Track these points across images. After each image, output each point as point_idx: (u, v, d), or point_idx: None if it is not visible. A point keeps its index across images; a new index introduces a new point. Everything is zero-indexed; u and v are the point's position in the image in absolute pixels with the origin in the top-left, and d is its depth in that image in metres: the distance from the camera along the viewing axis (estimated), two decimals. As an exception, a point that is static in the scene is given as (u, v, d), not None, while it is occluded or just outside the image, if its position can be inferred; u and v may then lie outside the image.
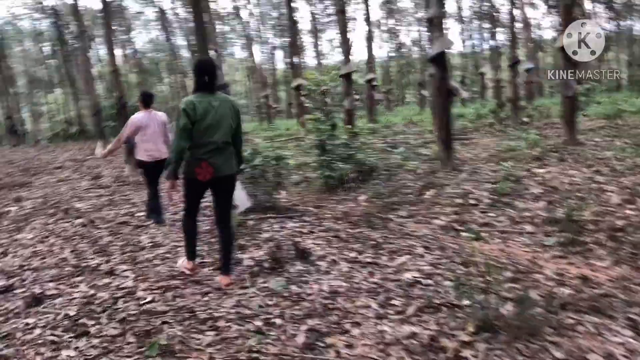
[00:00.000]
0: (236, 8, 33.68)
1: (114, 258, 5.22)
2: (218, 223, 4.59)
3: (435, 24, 9.18)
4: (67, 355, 3.19)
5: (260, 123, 33.03)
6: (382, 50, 49.71)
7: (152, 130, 6.88)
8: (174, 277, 4.52)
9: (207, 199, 4.84)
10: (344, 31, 15.04)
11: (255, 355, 3.14)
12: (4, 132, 28.57)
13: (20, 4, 42.91)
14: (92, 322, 3.61)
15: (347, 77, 14.71)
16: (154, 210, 7.04)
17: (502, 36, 37.53)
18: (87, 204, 8.59)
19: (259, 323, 3.51)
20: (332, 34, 63.37)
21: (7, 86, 28.44)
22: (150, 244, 5.78)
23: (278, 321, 3.53)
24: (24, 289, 4.38)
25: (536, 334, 3.31)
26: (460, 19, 43.47)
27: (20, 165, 16.22)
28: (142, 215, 7.36)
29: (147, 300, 3.97)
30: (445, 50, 9.18)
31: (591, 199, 6.89)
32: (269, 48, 49.73)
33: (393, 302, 3.86)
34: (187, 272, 4.64)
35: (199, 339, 3.33)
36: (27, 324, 3.65)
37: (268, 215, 7.05)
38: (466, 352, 3.14)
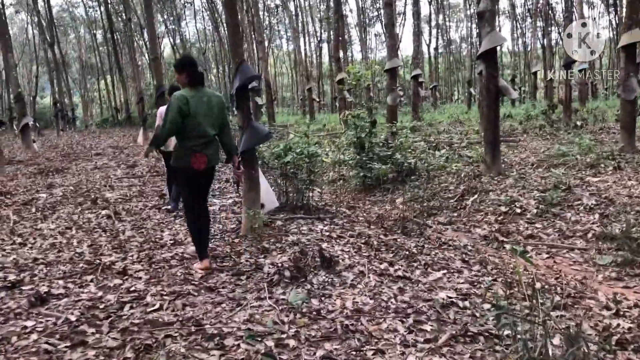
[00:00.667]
0: (285, 1, 33.38)
1: (131, 256, 4.96)
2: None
3: (486, 19, 8.60)
4: (58, 368, 2.91)
5: (303, 116, 32.78)
6: (430, 46, 48.51)
7: None
8: (188, 281, 4.20)
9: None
10: (390, 25, 14.51)
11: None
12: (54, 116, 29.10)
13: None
14: (92, 330, 3.32)
15: (391, 72, 14.18)
16: (173, 198, 7.20)
17: (555, 35, 36.12)
18: (118, 194, 8.43)
19: (270, 343, 3.14)
20: (379, 28, 62.66)
21: (56, 72, 28.98)
22: (170, 242, 5.51)
23: (292, 343, 3.15)
24: (32, 286, 4.15)
25: (589, 380, 2.83)
26: (512, 16, 42.02)
27: (63, 151, 16.40)
28: (168, 207, 7.29)
29: (154, 308, 3.66)
30: (496, 47, 8.58)
31: (653, 214, 6.25)
32: (315, 41, 49.41)
33: (423, 326, 3.43)
34: (200, 271, 4.45)
35: None
36: (25, 327, 3.38)
37: (297, 215, 6.69)
38: (504, 397, 2.70)
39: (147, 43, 39.96)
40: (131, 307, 3.69)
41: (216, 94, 4.66)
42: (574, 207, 6.90)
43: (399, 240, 5.67)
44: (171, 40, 46.09)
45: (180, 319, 3.47)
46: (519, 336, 3.18)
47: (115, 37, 33.61)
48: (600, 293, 4.36)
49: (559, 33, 36.69)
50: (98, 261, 4.71)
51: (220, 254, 4.96)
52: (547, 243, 6.00)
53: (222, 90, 46.06)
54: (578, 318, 3.68)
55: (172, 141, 6.88)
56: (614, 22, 41.80)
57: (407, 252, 5.10)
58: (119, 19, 36.70)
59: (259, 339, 3.19)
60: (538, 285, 3.95)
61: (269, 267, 4.48)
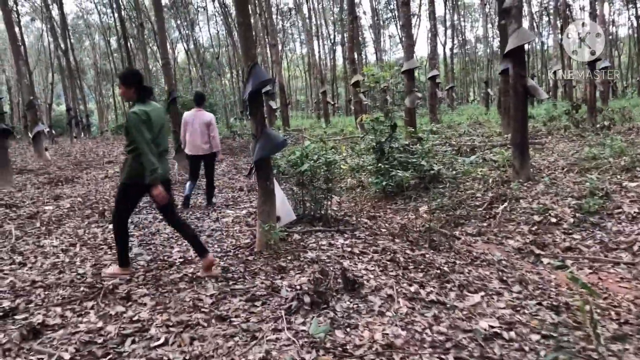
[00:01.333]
0: (298, 4, 33.01)
1: (136, 277, 4.55)
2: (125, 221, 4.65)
3: (512, 15, 8.11)
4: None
5: (317, 120, 32.37)
6: (446, 46, 47.92)
7: (194, 128, 7.78)
8: (198, 309, 3.78)
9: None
10: (407, 24, 14.04)
11: None
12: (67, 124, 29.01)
13: (89, -2, 44.10)
14: (87, 372, 2.92)
15: (409, 73, 13.72)
16: (186, 204, 7.94)
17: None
18: (127, 205, 8.06)
19: (290, 388, 2.71)
20: (393, 29, 62.09)
21: (70, 79, 28.90)
22: (180, 260, 5.10)
23: (315, 388, 2.72)
24: (26, 315, 3.76)
25: None
26: (530, 14, 41.20)
27: (75, 159, 16.15)
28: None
29: (159, 343, 3.25)
30: (524, 45, 8.08)
31: None
32: (329, 44, 49.08)
33: (466, 365, 2.98)
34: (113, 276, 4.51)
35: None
36: (13, 367, 3.00)
37: (315, 227, 6.26)
38: None
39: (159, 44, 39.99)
40: (133, 342, 3.28)
41: (158, 105, 4.64)
42: (614, 216, 6.38)
43: (427, 255, 5.21)
44: (185, 45, 45.98)
45: (188, 356, 3.05)
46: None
47: (129, 43, 33.52)
48: (659, 317, 3.87)
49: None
50: (100, 284, 4.31)
51: (234, 275, 4.53)
52: (588, 257, 5.50)
53: (236, 95, 45.85)
54: (642, 351, 3.20)
55: (187, 143, 7.90)
56: (633, 19, 40.91)
57: (438, 271, 4.64)
58: (133, 25, 36.64)
59: (277, 384, 2.76)
60: (587, 307, 3.47)
61: (287, 291, 4.05)
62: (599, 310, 3.90)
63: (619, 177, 8.02)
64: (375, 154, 8.81)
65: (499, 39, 20.26)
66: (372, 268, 4.66)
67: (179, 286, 4.29)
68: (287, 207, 5.81)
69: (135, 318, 3.63)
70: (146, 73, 27.13)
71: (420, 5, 43.70)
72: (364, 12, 60.19)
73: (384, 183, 8.26)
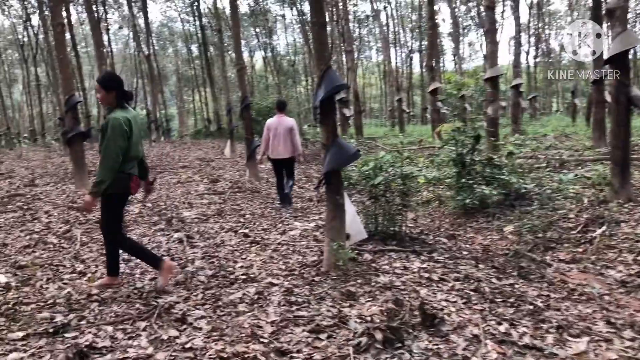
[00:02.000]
0: (376, 11, 32.55)
1: (195, 295, 4.24)
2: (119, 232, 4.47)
3: (617, 17, 7.26)
4: None
5: (392, 128, 31.72)
6: (529, 54, 45.84)
7: (278, 133, 8.14)
8: (256, 338, 3.39)
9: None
10: (491, 30, 13.23)
11: None
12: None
13: (174, 7, 45.75)
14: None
15: (492, 81, 12.89)
16: (282, 199, 8.43)
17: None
18: (195, 212, 7.89)
19: None
20: (472, 37, 60.31)
21: (152, 84, 29.86)
22: (242, 276, 4.75)
23: None
24: (76, 333, 3.51)
25: None
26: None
27: (151, 162, 16.43)
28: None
29: (209, 379, 2.88)
30: (629, 50, 7.23)
31: None
32: (406, 51, 48.27)
33: None
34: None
35: None
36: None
37: (388, 247, 5.75)
38: None
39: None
40: (182, 375, 2.93)
41: (136, 112, 4.57)
42: None
43: (516, 286, 4.59)
44: (263, 53, 46.66)
45: (240, 400, 2.66)
46: None
47: (209, 50, 34.28)
48: None
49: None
50: (156, 302, 4.01)
51: (297, 298, 4.12)
52: None
53: (310, 102, 45.97)
54: None
55: (270, 147, 8.25)
56: None
57: (531, 306, 4.02)
58: (213, 32, 37.47)
59: None
60: None
61: (356, 322, 3.58)
62: None
63: None
64: (455, 166, 8.17)
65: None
66: (454, 299, 4.11)
67: (239, 309, 3.93)
68: (358, 223, 5.34)
69: (188, 345, 3.29)
70: (224, 80, 27.57)
71: (502, 12, 42.05)
72: (443, 20, 58.93)
73: (466, 200, 7.61)
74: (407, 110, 35.08)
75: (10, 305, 4.03)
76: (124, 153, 4.11)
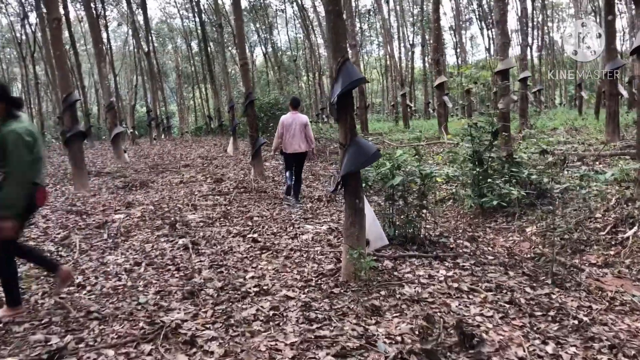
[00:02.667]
0: (378, 4, 32.02)
1: (204, 311, 3.86)
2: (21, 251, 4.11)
3: (643, 4, 6.87)
4: None
5: (396, 124, 31.29)
6: (533, 47, 45.32)
7: (293, 129, 8.49)
8: (275, 364, 3.02)
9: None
10: (502, 21, 12.80)
11: None
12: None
13: (173, 3, 45.30)
14: None
15: (503, 74, 12.47)
16: (289, 192, 8.71)
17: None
18: (200, 215, 7.51)
19: None
20: (473, 30, 59.72)
21: (152, 81, 29.44)
22: (255, 288, 4.37)
23: None
24: (74, 359, 3.14)
25: None
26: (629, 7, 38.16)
27: (152, 161, 16.05)
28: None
29: (225, 418, 2.50)
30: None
31: None
32: (407, 45, 47.76)
33: None
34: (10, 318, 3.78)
35: None
36: None
37: (408, 252, 5.38)
38: None
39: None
40: (193, 413, 2.56)
41: (28, 119, 4.17)
42: None
43: (553, 296, 4.21)
44: (263, 48, 46.23)
45: None
46: None
47: (209, 46, 33.85)
48: None
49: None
50: (162, 321, 3.64)
51: (317, 315, 3.74)
52: None
53: (312, 98, 45.52)
54: None
55: (285, 142, 8.54)
56: None
57: (575, 321, 3.64)
58: (213, 28, 37.01)
59: None
60: None
61: (385, 343, 3.21)
62: None
63: None
64: (472, 163, 7.79)
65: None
66: (489, 313, 3.73)
67: (253, 327, 3.55)
68: (378, 229, 4.96)
69: (199, 374, 2.92)
70: (224, 76, 27.19)
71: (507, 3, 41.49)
72: (444, 13, 58.30)
73: (484, 199, 7.22)
74: (411, 106, 34.60)
75: (1, 326, 3.66)
76: (32, 165, 3.70)
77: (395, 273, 4.65)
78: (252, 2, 40.14)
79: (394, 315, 3.69)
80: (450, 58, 52.99)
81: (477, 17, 46.09)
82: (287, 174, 8.82)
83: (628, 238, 5.92)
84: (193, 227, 6.77)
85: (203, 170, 13.14)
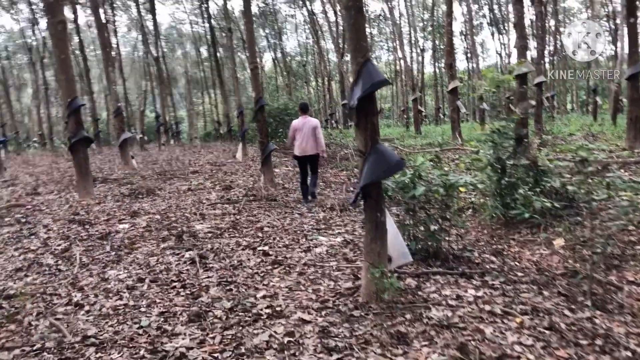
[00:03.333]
0: (390, 9, 31.68)
1: (212, 337, 3.50)
2: None
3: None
4: None
5: (406, 129, 30.88)
6: (544, 52, 44.79)
7: (304, 132, 8.77)
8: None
9: None
10: (520, 23, 12.42)
11: None
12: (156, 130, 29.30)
13: (182, 9, 45.24)
14: None
15: (522, 78, 12.07)
16: (305, 194, 9.03)
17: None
18: (208, 225, 7.16)
19: None
20: (483, 35, 59.21)
21: (160, 86, 29.24)
22: (266, 310, 4.00)
23: None
24: (64, 394, 2.79)
25: None
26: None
27: (160, 167, 15.76)
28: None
29: None
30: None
31: None
32: (417, 50, 47.40)
33: None
34: None
35: None
36: None
37: (432, 268, 4.99)
38: None
39: (247, 53, 40.08)
40: None
41: None
42: None
43: (596, 321, 3.80)
44: (272, 54, 46.06)
45: None
46: None
47: (218, 51, 33.68)
48: None
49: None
50: (164, 350, 3.28)
51: (337, 343, 3.36)
52: None
53: (320, 103, 45.22)
54: None
55: (296, 146, 8.85)
56: None
57: (629, 353, 3.24)
58: (222, 34, 36.87)
59: None
60: None
61: (416, 379, 2.83)
62: None
63: None
64: (494, 171, 7.39)
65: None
66: (529, 342, 3.33)
67: (266, 357, 3.18)
68: (402, 244, 4.57)
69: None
70: (234, 81, 26.94)
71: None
72: (455, 18, 57.87)
73: (516, 211, 6.76)
74: (422, 111, 34.20)
75: (-12, 352, 3.33)
76: None
77: (420, 293, 4.27)
78: (262, 7, 40.01)
79: (423, 344, 3.31)
80: (460, 63, 52.63)
81: (488, 22, 45.77)
82: (301, 180, 9.11)
83: (667, 253, 5.51)
84: (201, 238, 6.42)
85: (212, 176, 12.82)
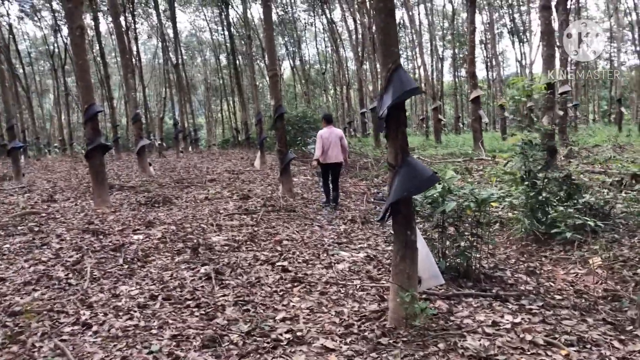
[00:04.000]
0: (410, 18, 31.43)
1: (227, 366, 3.21)
2: None
3: None
4: None
5: (426, 138, 30.48)
6: (568, 61, 44.10)
7: (331, 141, 9.33)
8: None
9: None
10: (547, 31, 12.03)
11: None
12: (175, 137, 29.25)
13: (202, 17, 45.41)
14: None
15: (549, 87, 11.69)
16: (328, 199, 9.58)
17: None
18: (225, 237, 6.90)
19: None
20: (504, 44, 58.80)
21: (180, 93, 29.23)
22: (287, 335, 3.70)
23: None
24: None
25: None
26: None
27: (178, 174, 15.58)
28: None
29: None
30: None
31: None
32: (436, 58, 47.03)
33: None
34: None
35: None
36: None
37: (463, 290, 4.66)
38: None
39: (266, 60, 40.04)
40: None
41: None
42: None
43: (651, 353, 3.45)
44: (291, 62, 45.97)
45: None
46: None
47: (237, 59, 33.66)
48: None
49: None
50: (175, 380, 3.00)
51: None
52: None
53: (339, 110, 44.96)
54: None
55: (324, 154, 9.31)
56: None
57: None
58: (242, 42, 36.85)
59: None
60: None
61: None
62: None
63: None
64: (526, 185, 7.03)
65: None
66: (580, 380, 3.00)
67: (287, 392, 2.89)
68: (433, 265, 4.22)
69: None
70: (252, 89, 26.82)
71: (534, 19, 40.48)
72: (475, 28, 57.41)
73: (557, 229, 6.36)
74: (443, 120, 33.76)
75: (-14, 379, 3.08)
76: None
77: (452, 318, 3.94)
78: (281, 15, 39.95)
79: (460, 379, 2.99)
80: (479, 72, 52.06)
81: (509, 30, 45.20)
82: (325, 187, 9.69)
83: None
84: (217, 251, 6.15)
85: (229, 185, 12.59)
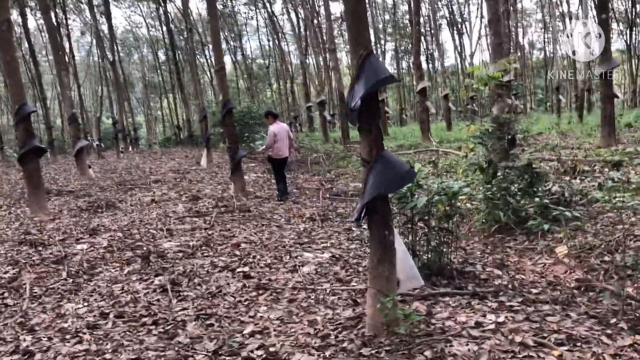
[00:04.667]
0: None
1: (195, 393, 2.84)
2: None
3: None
4: None
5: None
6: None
7: (282, 137, 9.55)
8: None
9: None
10: (494, 20, 12.07)
11: None
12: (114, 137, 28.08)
13: (139, 12, 43.82)
14: None
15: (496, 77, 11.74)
16: (281, 192, 9.67)
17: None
18: (177, 242, 6.46)
19: None
20: (444, 35, 60.02)
21: (117, 91, 28.06)
22: (258, 352, 3.35)
23: None
24: None
25: None
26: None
27: (119, 176, 14.83)
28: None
29: None
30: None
31: None
32: (379, 52, 47.31)
33: None
34: None
35: None
36: None
37: (439, 289, 4.44)
38: None
39: (210, 58, 39.11)
40: None
41: None
42: None
43: (638, 347, 3.32)
44: (232, 57, 45.10)
45: None
46: None
47: (177, 54, 32.63)
48: None
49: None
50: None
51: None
52: None
53: (284, 105, 44.53)
54: None
55: (275, 149, 9.53)
56: None
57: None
58: (180, 37, 35.79)
59: None
60: None
61: None
62: None
63: None
64: (485, 175, 6.94)
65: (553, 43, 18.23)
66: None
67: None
68: (411, 266, 3.95)
69: None
70: (195, 84, 26.07)
71: (478, 8, 41.44)
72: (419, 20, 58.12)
73: (533, 222, 6.22)
74: (387, 112, 33.91)
75: None
76: None
77: (433, 321, 3.70)
78: (220, 10, 39.06)
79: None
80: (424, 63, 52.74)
81: (448, 22, 45.98)
82: (280, 181, 9.80)
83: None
84: (170, 259, 5.71)
85: (176, 185, 12.04)
